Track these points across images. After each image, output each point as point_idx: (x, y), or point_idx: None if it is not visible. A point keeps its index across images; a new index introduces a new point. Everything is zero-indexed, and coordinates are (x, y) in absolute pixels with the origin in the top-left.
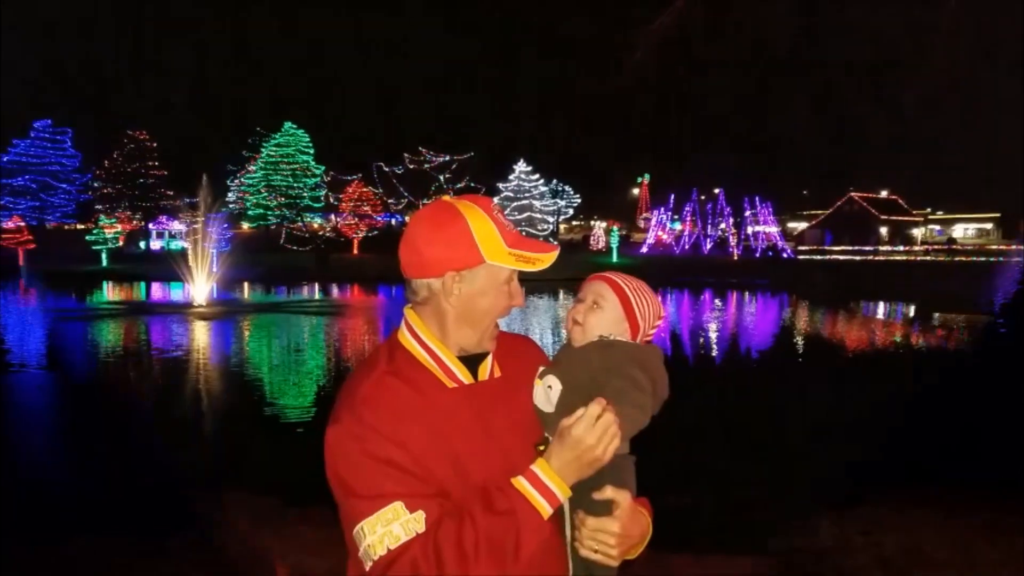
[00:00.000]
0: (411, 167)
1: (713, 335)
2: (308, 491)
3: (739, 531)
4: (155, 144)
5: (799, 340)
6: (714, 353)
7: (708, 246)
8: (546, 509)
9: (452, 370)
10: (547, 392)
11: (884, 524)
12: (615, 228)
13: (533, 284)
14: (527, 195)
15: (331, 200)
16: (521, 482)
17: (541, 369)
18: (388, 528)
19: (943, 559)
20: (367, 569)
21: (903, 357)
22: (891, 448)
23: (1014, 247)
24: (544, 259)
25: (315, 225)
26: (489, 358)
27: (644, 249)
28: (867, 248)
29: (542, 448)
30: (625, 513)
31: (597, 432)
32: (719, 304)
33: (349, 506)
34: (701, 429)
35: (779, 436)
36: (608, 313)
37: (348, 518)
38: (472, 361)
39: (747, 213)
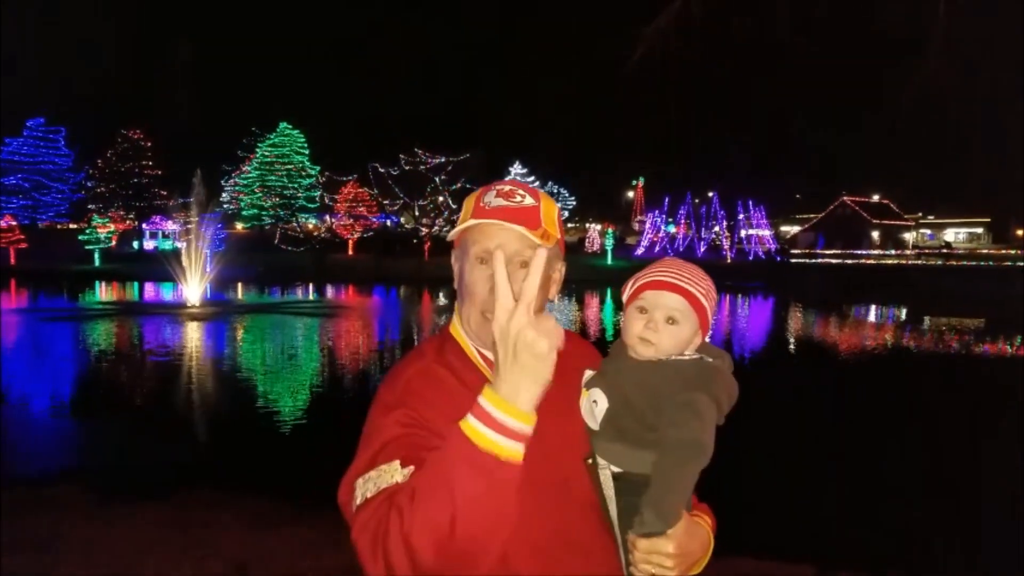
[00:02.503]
0: (407, 168)
1: (713, 336)
2: (301, 492)
3: (733, 530)
4: (149, 143)
5: (797, 342)
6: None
7: (702, 249)
8: (481, 434)
9: None
10: (592, 407)
11: (879, 525)
12: (610, 230)
13: None
14: None
15: (326, 201)
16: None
17: (587, 377)
18: (380, 479)
19: None
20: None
21: (902, 360)
22: (885, 451)
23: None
24: (491, 215)
25: (310, 226)
26: None
27: (639, 251)
28: (859, 251)
29: (591, 462)
30: (680, 530)
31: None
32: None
33: (352, 465)
34: None
35: (777, 437)
36: (685, 329)
37: (347, 479)
38: None
39: (740, 216)
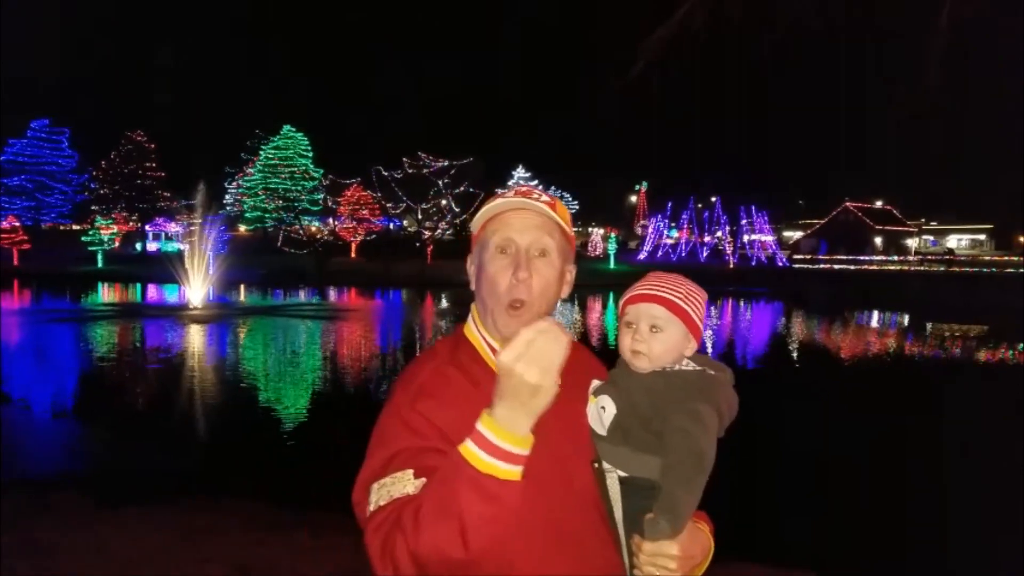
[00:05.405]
0: (410, 171)
1: (715, 342)
2: (303, 497)
3: (736, 536)
4: (153, 145)
5: (800, 348)
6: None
7: (705, 254)
8: (481, 459)
9: None
10: (600, 413)
11: (882, 532)
12: (613, 235)
13: None
14: None
15: (329, 204)
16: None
17: (595, 385)
18: (393, 487)
19: None
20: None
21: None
22: (888, 458)
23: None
24: (515, 203)
25: (313, 228)
26: None
27: (641, 256)
28: (861, 257)
29: (597, 465)
30: (683, 533)
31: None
32: (720, 312)
33: (366, 466)
34: None
35: (780, 442)
36: (672, 334)
37: (362, 479)
38: None
39: (743, 222)
